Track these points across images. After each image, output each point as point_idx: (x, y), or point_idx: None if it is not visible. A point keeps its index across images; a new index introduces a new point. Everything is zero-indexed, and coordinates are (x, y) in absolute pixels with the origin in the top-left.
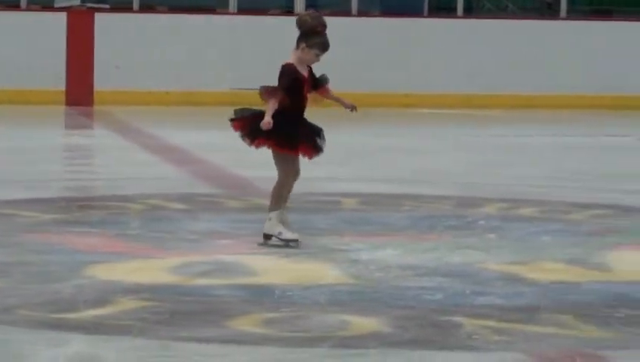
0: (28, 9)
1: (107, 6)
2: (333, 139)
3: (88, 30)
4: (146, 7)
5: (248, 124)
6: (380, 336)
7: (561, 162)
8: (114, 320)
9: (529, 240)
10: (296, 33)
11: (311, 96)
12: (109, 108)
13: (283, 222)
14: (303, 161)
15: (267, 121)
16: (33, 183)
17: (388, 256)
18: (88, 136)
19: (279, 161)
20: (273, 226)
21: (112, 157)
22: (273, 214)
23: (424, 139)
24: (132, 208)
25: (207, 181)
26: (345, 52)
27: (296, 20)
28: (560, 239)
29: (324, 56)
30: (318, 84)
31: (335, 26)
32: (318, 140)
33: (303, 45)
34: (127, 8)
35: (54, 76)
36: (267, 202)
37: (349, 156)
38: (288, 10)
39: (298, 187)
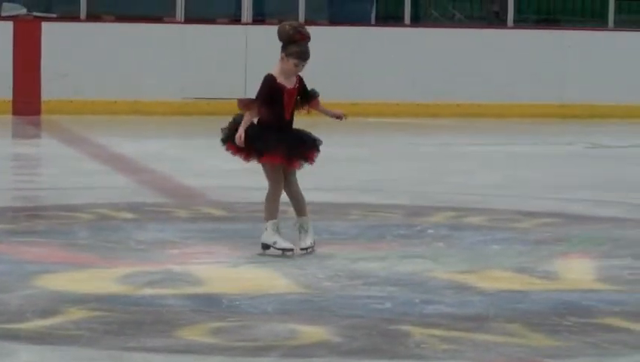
0: None
1: (54, 15)
2: None
3: (35, 39)
4: (93, 16)
5: (232, 132)
6: (329, 346)
7: (508, 170)
8: (62, 330)
9: (477, 248)
10: (242, 44)
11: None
12: (57, 117)
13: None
14: (246, 171)
15: (239, 135)
16: None
17: (337, 265)
18: (35, 145)
19: (266, 171)
20: (269, 236)
21: (60, 167)
22: (268, 224)
23: (372, 147)
24: (80, 218)
25: (155, 190)
26: None
27: (277, 30)
28: (508, 247)
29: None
30: (310, 97)
31: None
32: (302, 149)
33: (283, 55)
34: (74, 17)
35: (1, 85)
36: (216, 212)
37: None
38: (236, 19)
39: (246, 196)
